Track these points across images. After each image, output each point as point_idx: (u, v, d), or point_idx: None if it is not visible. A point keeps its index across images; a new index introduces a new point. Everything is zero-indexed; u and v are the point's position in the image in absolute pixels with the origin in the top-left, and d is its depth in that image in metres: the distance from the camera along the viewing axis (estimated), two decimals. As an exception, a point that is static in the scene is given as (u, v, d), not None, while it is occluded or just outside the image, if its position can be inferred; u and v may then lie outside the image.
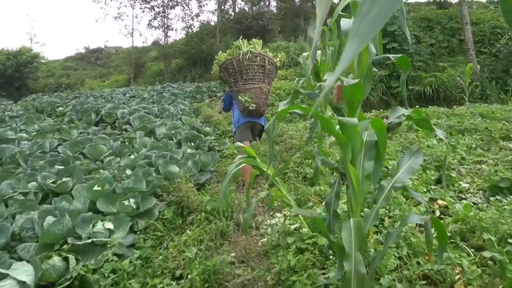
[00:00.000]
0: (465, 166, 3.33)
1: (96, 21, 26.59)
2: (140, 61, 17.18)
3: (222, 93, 9.84)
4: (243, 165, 1.87)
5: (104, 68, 28.35)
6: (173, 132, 5.07)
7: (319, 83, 3.45)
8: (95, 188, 2.80)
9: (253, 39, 3.51)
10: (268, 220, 2.74)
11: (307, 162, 3.77)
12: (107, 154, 3.92)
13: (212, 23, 17.54)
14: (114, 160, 3.75)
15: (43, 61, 18.85)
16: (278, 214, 2.84)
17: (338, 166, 1.67)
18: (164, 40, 16.96)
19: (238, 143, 2.20)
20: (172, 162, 3.38)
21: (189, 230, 2.57)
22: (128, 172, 3.27)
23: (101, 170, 3.30)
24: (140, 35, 35.90)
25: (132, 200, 2.61)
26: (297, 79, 4.96)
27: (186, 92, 8.80)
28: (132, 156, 3.66)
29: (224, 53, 3.49)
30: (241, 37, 3.64)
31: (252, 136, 3.52)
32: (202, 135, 5.16)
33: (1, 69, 15.00)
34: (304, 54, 3.72)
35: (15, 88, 15.60)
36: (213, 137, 5.08)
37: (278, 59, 3.64)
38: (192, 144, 4.69)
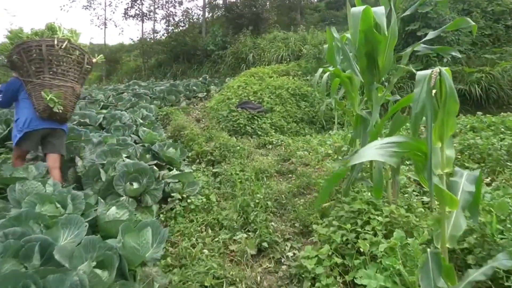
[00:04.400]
0: None
1: (61, 9, 23.47)
2: (114, 56, 14.92)
3: (205, 93, 7.68)
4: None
5: (87, 66, 25.84)
6: (106, 160, 2.94)
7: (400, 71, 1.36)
8: None
9: (73, 28, 2.80)
10: None
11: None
12: None
13: (201, 19, 15.37)
14: None
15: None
16: None
17: None
18: (141, 31, 14.78)
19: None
20: (33, 276, 1.27)
21: None
22: None
23: None
24: (116, 26, 33.30)
25: None
26: (321, 70, 2.88)
27: (155, 92, 6.59)
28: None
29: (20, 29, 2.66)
30: (56, 19, 2.23)
31: (43, 146, 2.71)
32: (155, 166, 3.03)
33: None
34: (356, 9, 1.66)
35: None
36: (173, 173, 2.92)
37: (96, 59, 3.00)
38: (134, 185, 2.58)
